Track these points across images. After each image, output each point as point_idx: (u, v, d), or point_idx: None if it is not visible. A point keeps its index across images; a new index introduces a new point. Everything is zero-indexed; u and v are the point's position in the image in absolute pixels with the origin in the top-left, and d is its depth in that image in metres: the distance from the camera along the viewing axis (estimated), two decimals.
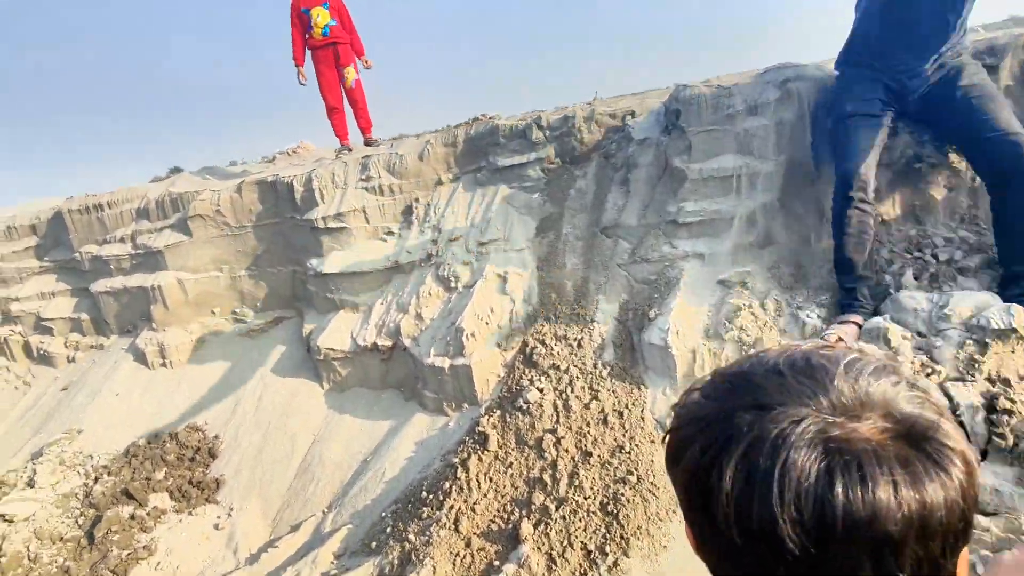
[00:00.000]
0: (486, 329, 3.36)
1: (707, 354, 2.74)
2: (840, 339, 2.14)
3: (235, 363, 4.38)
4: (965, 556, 0.50)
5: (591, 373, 2.97)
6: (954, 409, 1.89)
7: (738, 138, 2.95)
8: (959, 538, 0.46)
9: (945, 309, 2.12)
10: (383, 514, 3.03)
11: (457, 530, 2.64)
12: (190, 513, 3.53)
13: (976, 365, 1.97)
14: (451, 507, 2.72)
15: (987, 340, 2.00)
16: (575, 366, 3.02)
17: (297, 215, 4.34)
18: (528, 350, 3.22)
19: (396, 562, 2.65)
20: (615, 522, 2.41)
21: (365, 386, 3.96)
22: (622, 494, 2.49)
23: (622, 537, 2.36)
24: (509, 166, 3.92)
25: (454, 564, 2.52)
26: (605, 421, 2.78)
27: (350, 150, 5.03)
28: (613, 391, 2.88)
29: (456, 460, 2.95)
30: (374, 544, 2.84)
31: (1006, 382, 1.94)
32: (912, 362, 2.06)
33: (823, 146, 2.59)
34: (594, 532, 2.41)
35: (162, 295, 4.58)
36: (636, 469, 2.57)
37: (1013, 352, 1.98)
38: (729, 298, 2.79)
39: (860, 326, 2.19)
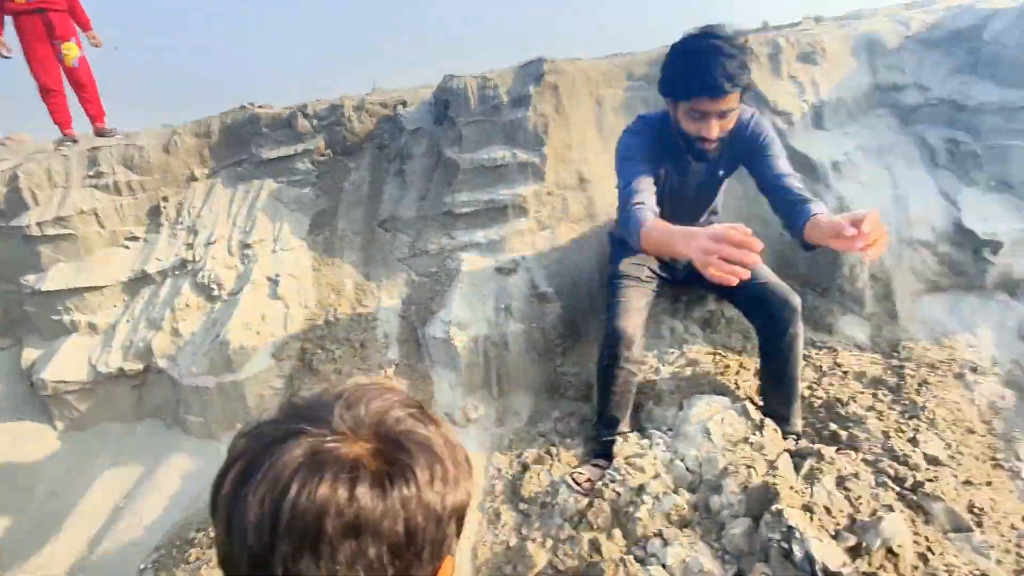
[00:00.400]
0: (257, 339, 3.03)
1: (490, 344, 2.78)
2: (588, 479, 2.19)
3: None
4: (448, 566, 0.60)
5: (376, 374, 2.84)
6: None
7: (504, 129, 3.03)
8: (404, 547, 0.53)
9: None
10: (142, 567, 2.58)
11: None
12: None
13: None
14: None
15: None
16: (359, 368, 2.86)
17: (2, 222, 3.50)
18: (307, 357, 2.97)
19: None
20: None
21: (115, 419, 3.34)
22: None
23: None
24: (275, 158, 3.59)
25: None
26: None
27: (75, 141, 4.20)
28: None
29: None
30: None
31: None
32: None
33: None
34: None
35: None
36: None
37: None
38: (507, 283, 2.86)
39: (604, 471, 2.23)
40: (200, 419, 3.03)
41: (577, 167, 3.01)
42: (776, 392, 2.30)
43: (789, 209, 2.03)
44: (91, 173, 3.56)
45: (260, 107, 3.95)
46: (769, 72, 2.90)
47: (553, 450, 2.47)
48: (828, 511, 1.89)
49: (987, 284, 2.47)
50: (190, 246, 3.42)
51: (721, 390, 2.43)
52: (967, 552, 1.89)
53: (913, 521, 1.96)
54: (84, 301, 3.40)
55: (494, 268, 2.96)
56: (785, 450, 2.16)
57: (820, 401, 2.41)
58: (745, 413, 2.28)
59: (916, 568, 1.78)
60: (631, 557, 1.93)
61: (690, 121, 1.98)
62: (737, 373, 2.51)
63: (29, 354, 3.49)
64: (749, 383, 2.45)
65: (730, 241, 1.35)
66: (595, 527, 2.09)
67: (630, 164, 2.13)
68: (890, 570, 1.72)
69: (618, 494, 2.10)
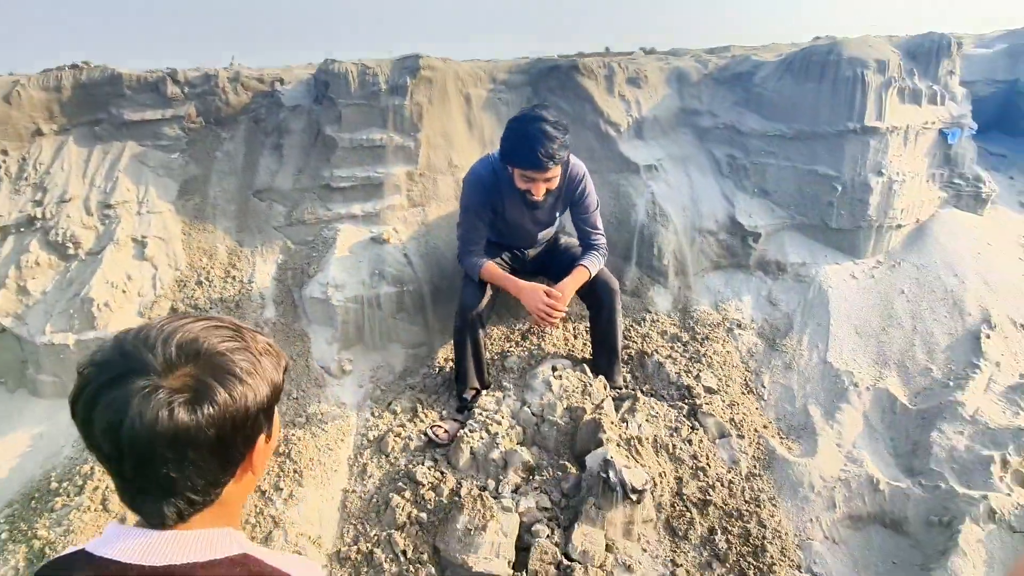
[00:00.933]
0: (123, 298, 3.03)
1: (366, 303, 3.09)
2: (446, 431, 2.61)
3: None
4: (260, 445, 0.81)
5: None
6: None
7: (384, 113, 3.35)
8: (218, 446, 0.74)
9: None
10: None
11: (107, 509, 2.41)
12: None
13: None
14: (95, 488, 2.45)
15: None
16: None
17: None
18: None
19: (22, 565, 2.27)
20: (288, 459, 2.57)
21: None
22: (293, 435, 2.66)
23: (295, 471, 2.53)
24: (139, 121, 3.54)
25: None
26: None
27: None
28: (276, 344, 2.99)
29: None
30: None
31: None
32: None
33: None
34: (268, 473, 2.52)
35: None
36: (305, 411, 2.77)
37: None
38: (381, 251, 3.19)
39: (463, 424, 2.64)
40: (54, 379, 2.95)
41: (447, 153, 3.43)
42: (601, 355, 2.90)
43: (582, 249, 2.84)
44: None
45: (96, 66, 3.83)
46: (605, 90, 3.56)
47: (420, 404, 2.85)
48: (639, 440, 2.51)
49: (750, 264, 3.31)
50: (39, 203, 3.27)
51: (564, 355, 2.99)
52: (727, 449, 2.61)
53: (693, 429, 2.65)
54: None
55: (369, 238, 3.27)
56: (609, 396, 2.76)
57: (634, 352, 3.07)
58: (581, 371, 2.86)
59: (686, 463, 2.46)
60: (486, 493, 2.38)
61: (522, 182, 2.53)
62: (574, 342, 3.10)
63: None
64: (585, 349, 3.03)
65: (549, 305, 2.54)
66: (457, 471, 2.51)
67: (468, 216, 2.74)
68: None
69: (476, 441, 2.55)
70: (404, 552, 2.28)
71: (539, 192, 2.55)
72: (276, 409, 0.87)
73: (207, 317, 0.81)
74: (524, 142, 2.42)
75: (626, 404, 2.70)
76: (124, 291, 3.06)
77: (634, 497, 2.28)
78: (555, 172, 2.52)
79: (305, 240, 3.33)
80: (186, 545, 0.75)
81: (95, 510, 2.40)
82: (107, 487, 2.47)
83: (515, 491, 2.44)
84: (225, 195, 3.47)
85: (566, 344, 3.08)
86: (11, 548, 2.34)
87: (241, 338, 0.81)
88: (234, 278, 3.22)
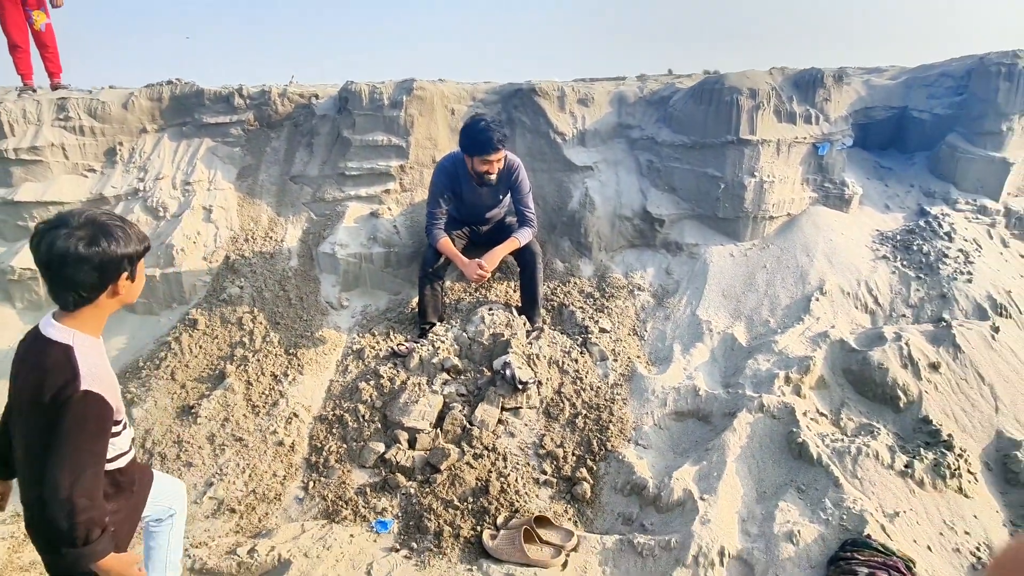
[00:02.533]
0: (193, 246, 4.28)
1: (363, 259, 4.21)
2: (406, 346, 3.64)
3: None
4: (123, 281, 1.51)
5: (280, 274, 4.19)
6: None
7: (385, 121, 4.51)
8: (102, 268, 1.42)
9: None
10: None
11: (174, 379, 3.59)
12: None
13: None
14: (167, 366, 3.65)
15: None
16: (267, 270, 4.19)
17: None
18: (230, 261, 4.26)
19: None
20: (295, 358, 3.70)
21: None
22: (300, 343, 3.79)
23: (299, 365, 3.66)
24: (213, 124, 4.83)
25: (172, 398, 3.48)
26: (290, 303, 4.04)
27: (34, 90, 5.19)
28: (297, 285, 4.15)
29: (170, 338, 3.85)
30: None
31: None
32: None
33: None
34: (280, 364, 3.65)
35: None
36: (310, 329, 3.90)
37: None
38: (376, 222, 4.32)
39: (418, 344, 3.65)
40: (144, 301, 4.20)
41: (431, 152, 4.54)
42: (525, 302, 3.91)
43: (517, 223, 3.83)
44: (60, 116, 4.63)
45: (186, 83, 5.16)
46: (557, 108, 4.59)
47: (392, 330, 3.93)
48: (538, 356, 3.50)
49: (656, 244, 4.25)
50: (141, 180, 4.58)
51: (502, 303, 4.02)
52: (603, 368, 3.57)
53: (582, 353, 3.61)
54: (48, 212, 4.46)
55: (369, 213, 4.41)
56: (525, 328, 3.76)
57: (556, 303, 4.06)
58: (508, 311, 3.87)
59: (568, 374, 3.43)
60: (423, 381, 3.43)
61: (481, 165, 3.58)
62: (512, 294, 4.12)
63: None
64: (514, 299, 4.04)
65: (479, 273, 3.60)
66: (408, 371, 3.56)
67: (433, 196, 3.80)
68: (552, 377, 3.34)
69: (424, 351, 3.60)
70: (363, 415, 3.35)
71: (493, 170, 3.59)
72: (140, 266, 1.58)
73: (111, 214, 1.49)
74: (480, 135, 3.48)
75: (535, 332, 3.70)
76: (194, 242, 4.30)
77: (520, 387, 3.28)
78: (501, 154, 3.56)
79: (324, 213, 4.50)
80: (59, 330, 1.45)
81: (166, 379, 3.59)
82: (174, 366, 3.66)
83: (444, 383, 3.48)
84: (270, 179, 4.69)
85: (505, 295, 4.10)
86: None
87: (126, 224, 1.49)
88: (271, 238, 4.42)
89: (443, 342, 3.67)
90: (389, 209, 4.45)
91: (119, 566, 1.50)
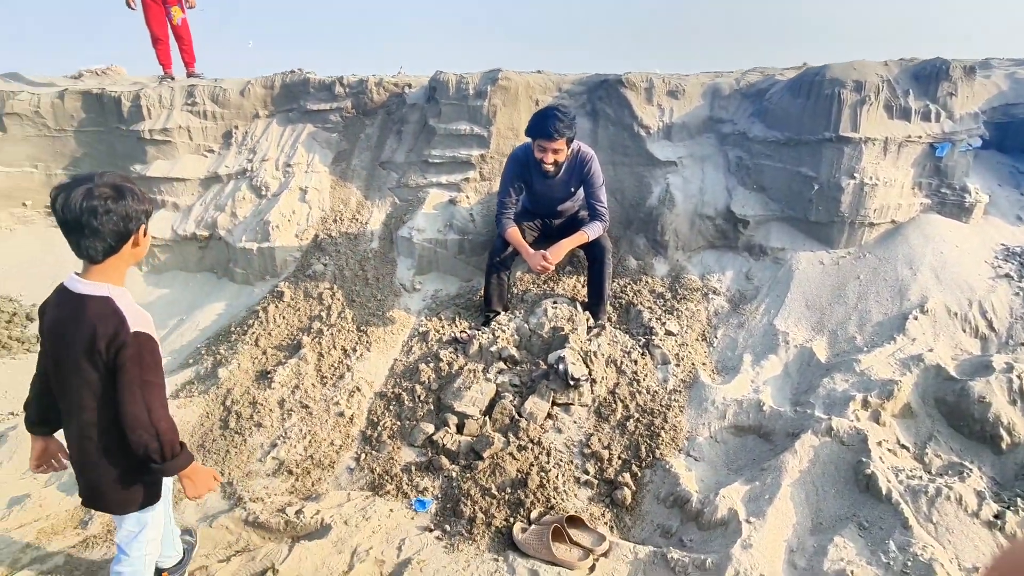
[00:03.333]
0: (288, 224, 4.60)
1: (437, 245, 4.32)
2: (467, 333, 3.69)
3: (52, 245, 5.00)
4: (140, 234, 1.63)
5: (361, 254, 4.40)
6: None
7: (469, 111, 4.58)
8: (122, 220, 1.54)
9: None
10: (199, 346, 4.15)
11: (257, 345, 3.90)
12: (19, 359, 4.25)
13: None
14: (253, 333, 3.97)
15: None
16: (350, 250, 4.42)
17: (123, 126, 5.08)
18: (318, 240, 4.54)
19: (209, 366, 3.83)
20: (365, 335, 3.88)
21: (182, 269, 4.93)
22: (371, 321, 3.97)
23: (367, 342, 3.83)
24: (316, 111, 5.15)
25: (253, 363, 3.79)
26: (367, 282, 4.24)
27: (172, 78, 5.81)
28: (375, 266, 4.35)
29: (259, 308, 4.19)
30: (191, 361, 3.97)
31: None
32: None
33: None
34: (351, 340, 3.85)
35: None
36: (382, 309, 4.07)
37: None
38: (454, 209, 4.41)
39: (479, 332, 3.67)
40: (243, 271, 4.59)
41: (512, 142, 4.56)
42: (591, 297, 3.83)
43: (588, 218, 3.74)
44: (188, 102, 5.14)
45: (308, 73, 5.54)
46: (644, 100, 4.43)
47: (459, 316, 4.01)
48: (595, 353, 3.42)
49: (738, 246, 3.99)
50: (250, 161, 4.99)
51: (568, 296, 3.97)
52: (663, 372, 3.42)
53: (643, 355, 3.49)
54: (173, 187, 4.99)
55: (448, 200, 4.52)
56: (587, 324, 3.69)
57: (624, 301, 3.94)
58: (573, 306, 3.82)
59: (627, 376, 3.33)
60: (480, 368, 3.47)
61: (538, 151, 3.55)
62: (580, 289, 4.05)
63: None
64: (581, 294, 3.97)
65: (544, 260, 3.54)
66: (467, 357, 3.61)
67: (504, 184, 3.81)
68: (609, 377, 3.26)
69: (483, 339, 3.63)
70: (419, 396, 3.46)
71: (548, 159, 3.56)
72: (147, 227, 1.67)
73: (123, 175, 1.61)
74: (540, 120, 3.46)
75: (595, 329, 3.62)
76: (289, 220, 4.63)
77: (572, 383, 3.23)
78: (560, 145, 3.50)
79: (406, 199, 4.67)
80: (90, 286, 1.56)
81: (251, 344, 3.91)
82: (259, 334, 3.97)
83: (499, 372, 3.50)
84: (361, 164, 4.94)
85: (572, 289, 4.05)
86: (205, 356, 3.93)
87: (136, 187, 1.61)
88: (357, 220, 4.65)
89: (504, 331, 3.69)
90: (467, 197, 4.52)
91: (202, 470, 1.80)
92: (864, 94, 3.56)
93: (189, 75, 5.96)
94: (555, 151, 3.52)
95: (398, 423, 3.39)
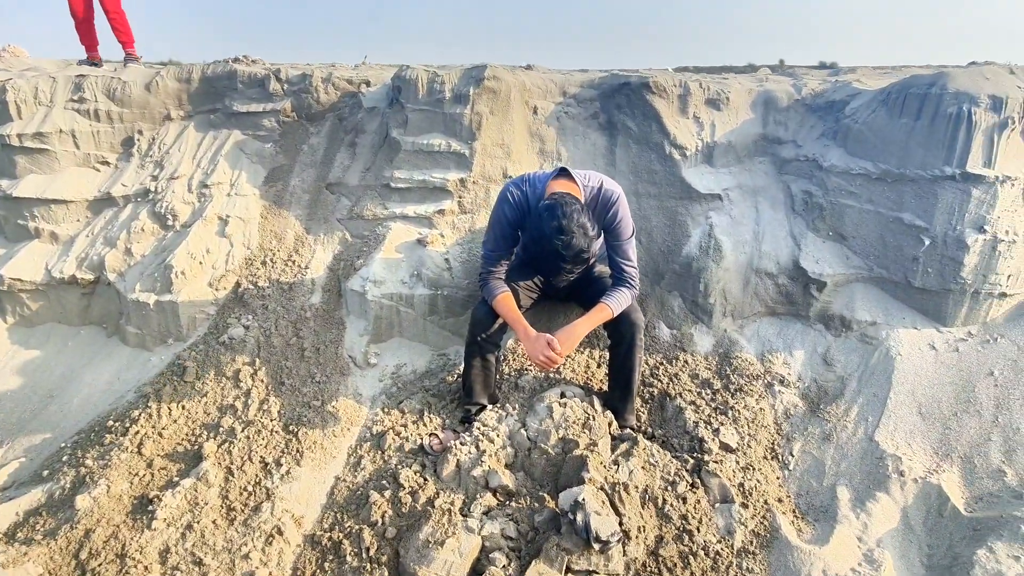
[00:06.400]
0: (199, 269, 3.42)
1: (401, 302, 3.20)
2: (440, 442, 2.64)
3: None
4: None
5: (297, 313, 3.25)
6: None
7: (445, 120, 3.44)
8: None
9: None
10: (63, 445, 2.96)
11: (140, 453, 2.73)
12: None
13: None
14: (136, 432, 2.80)
15: None
16: (282, 306, 3.27)
17: None
18: (240, 291, 3.37)
19: (68, 486, 2.66)
20: (295, 438, 2.75)
21: (62, 321, 3.70)
22: (305, 416, 2.83)
23: (298, 450, 2.70)
24: (246, 112, 3.96)
25: (131, 483, 2.62)
26: (303, 355, 3.09)
27: (98, 64, 4.57)
28: (315, 330, 3.20)
29: (150, 391, 3.01)
30: (46, 473, 2.79)
31: None
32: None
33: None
34: (274, 448, 2.71)
35: None
36: (322, 395, 2.94)
37: None
38: (423, 253, 3.28)
39: (458, 435, 2.65)
40: (138, 331, 3.40)
41: (503, 163, 3.44)
42: (615, 390, 2.76)
43: (612, 281, 2.65)
44: (75, 97, 3.90)
45: (253, 61, 4.32)
46: (677, 110, 3.35)
47: (429, 407, 2.89)
48: (626, 487, 2.35)
49: (810, 315, 2.95)
50: (155, 178, 3.78)
51: (579, 384, 2.88)
52: (725, 516, 2.37)
53: (692, 487, 2.43)
54: (50, 211, 3.75)
55: (416, 239, 3.38)
56: (610, 434, 2.62)
57: (656, 390, 2.88)
58: (589, 402, 2.73)
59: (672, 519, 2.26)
60: (456, 509, 2.36)
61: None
62: (595, 371, 2.96)
63: None
64: (605, 381, 2.89)
65: (548, 357, 2.43)
66: (439, 481, 2.51)
67: (494, 232, 2.66)
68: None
69: (464, 455, 2.53)
70: (368, 549, 2.34)
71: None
72: None
73: None
74: (544, 247, 2.35)
75: (623, 446, 2.55)
76: (201, 262, 3.44)
77: (597, 546, 2.15)
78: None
79: (361, 234, 3.52)
80: None
81: (131, 451, 2.74)
82: (145, 434, 2.81)
83: (486, 512, 2.40)
84: (303, 185, 3.77)
85: (586, 371, 2.96)
86: (65, 471, 2.75)
87: None
88: (294, 262, 3.49)
89: (491, 441, 2.60)
90: (442, 236, 3.39)
91: None
92: (1005, 115, 2.53)
93: (127, 59, 4.70)
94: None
95: None
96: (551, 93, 3.56)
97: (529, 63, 4.46)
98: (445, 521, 2.33)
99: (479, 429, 2.66)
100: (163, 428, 2.84)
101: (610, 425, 2.66)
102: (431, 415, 2.85)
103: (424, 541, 2.28)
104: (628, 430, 2.68)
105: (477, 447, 2.58)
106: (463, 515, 2.37)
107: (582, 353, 3.03)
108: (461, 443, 2.61)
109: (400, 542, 2.35)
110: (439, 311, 3.22)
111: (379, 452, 2.72)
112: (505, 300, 2.62)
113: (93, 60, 4.65)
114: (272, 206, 3.72)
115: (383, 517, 2.43)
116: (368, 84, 3.87)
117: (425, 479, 2.53)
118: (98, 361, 3.43)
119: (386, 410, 2.91)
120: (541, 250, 2.39)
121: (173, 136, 3.99)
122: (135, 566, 2.33)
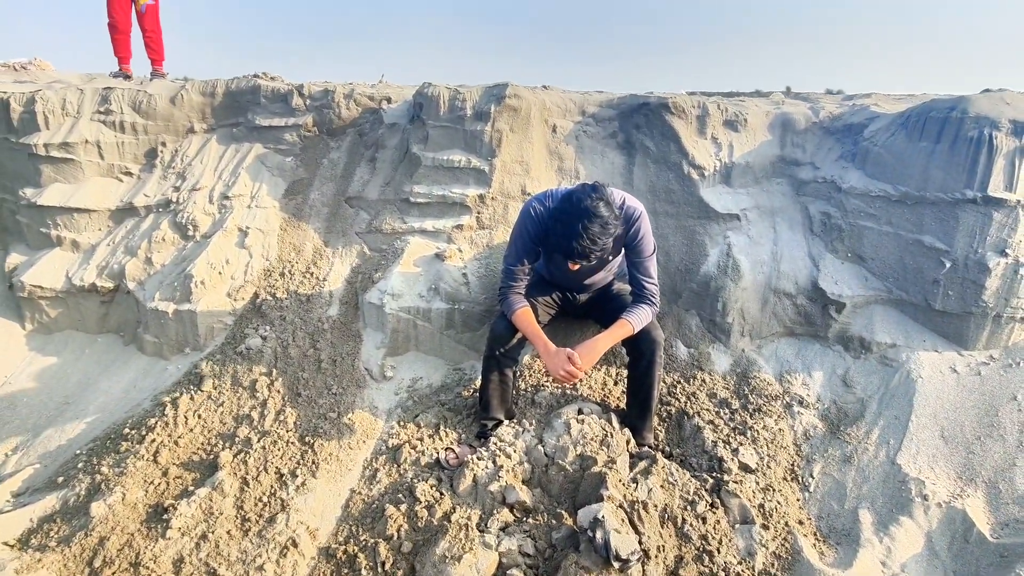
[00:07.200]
0: (219, 279, 3.44)
1: (418, 315, 3.21)
2: (456, 456, 2.63)
3: None
4: None
5: (315, 325, 3.26)
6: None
7: (466, 137, 3.49)
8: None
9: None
10: (78, 452, 2.97)
11: (156, 461, 2.73)
12: None
13: None
14: (152, 440, 2.80)
15: None
16: (300, 318, 3.28)
17: (12, 137, 3.89)
18: (258, 302, 3.39)
19: (83, 493, 2.65)
20: (310, 450, 2.74)
21: (79, 329, 3.73)
22: (321, 428, 2.83)
23: (313, 462, 2.69)
24: (268, 127, 4.02)
25: (147, 491, 2.62)
26: (319, 367, 3.10)
27: (128, 77, 4.67)
28: (332, 342, 3.21)
29: (167, 399, 3.02)
30: (61, 479, 2.78)
31: None
32: None
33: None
34: (289, 459, 2.71)
35: None
36: (338, 407, 2.93)
37: None
38: (441, 267, 3.30)
39: (476, 451, 2.63)
40: (155, 340, 3.42)
41: (522, 180, 3.47)
42: (633, 407, 2.74)
43: (632, 299, 2.65)
44: (101, 109, 3.97)
45: (272, 78, 4.39)
46: (695, 131, 3.38)
47: (445, 421, 2.88)
48: (645, 505, 2.32)
49: (829, 336, 2.94)
50: (177, 189, 3.83)
51: (596, 400, 2.87)
52: (745, 538, 2.34)
53: (712, 507, 2.40)
54: (73, 220, 3.80)
55: (434, 253, 3.40)
56: (628, 452, 2.60)
57: (674, 409, 2.86)
58: (607, 419, 2.72)
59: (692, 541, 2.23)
60: (473, 524, 2.35)
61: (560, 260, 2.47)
62: (612, 388, 2.96)
63: (14, 259, 3.88)
64: (622, 398, 2.88)
65: (568, 371, 2.42)
66: (455, 496, 2.49)
67: (515, 247, 2.64)
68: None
69: (480, 470, 2.52)
70: (383, 563, 2.32)
71: (573, 267, 2.46)
72: None
73: None
74: (565, 230, 2.30)
75: (642, 464, 2.53)
76: (220, 273, 3.47)
77: (617, 565, 2.12)
78: (591, 261, 2.41)
79: (379, 248, 3.55)
80: None
81: (147, 459, 2.74)
82: (161, 443, 2.81)
83: (503, 528, 2.38)
84: (322, 198, 3.81)
85: (603, 388, 2.95)
86: (80, 478, 2.75)
87: None
88: (312, 274, 3.52)
89: (509, 456, 2.58)
90: (460, 251, 3.41)
91: None
92: None
93: (154, 75, 4.80)
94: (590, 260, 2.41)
95: None
96: (570, 112, 3.60)
97: (545, 84, 4.52)
98: (462, 536, 2.31)
99: (496, 444, 2.65)
100: (179, 437, 2.84)
101: (628, 443, 2.65)
102: (447, 429, 2.84)
103: (441, 556, 2.26)
104: (646, 448, 2.66)
105: (494, 462, 2.56)
106: (480, 531, 2.35)
107: (599, 370, 3.02)
108: (478, 458, 2.59)
109: (416, 557, 2.33)
110: (456, 325, 3.23)
111: (395, 465, 2.70)
112: (525, 314, 2.62)
113: (125, 72, 4.76)
114: (292, 218, 3.75)
115: (399, 531, 2.41)
116: (389, 100, 3.93)
117: (441, 493, 2.51)
118: (115, 369, 3.45)
119: (402, 423, 2.90)
120: (561, 230, 2.33)
121: (196, 148, 4.05)
122: (151, 573, 2.31)
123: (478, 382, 3.09)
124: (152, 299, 3.40)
